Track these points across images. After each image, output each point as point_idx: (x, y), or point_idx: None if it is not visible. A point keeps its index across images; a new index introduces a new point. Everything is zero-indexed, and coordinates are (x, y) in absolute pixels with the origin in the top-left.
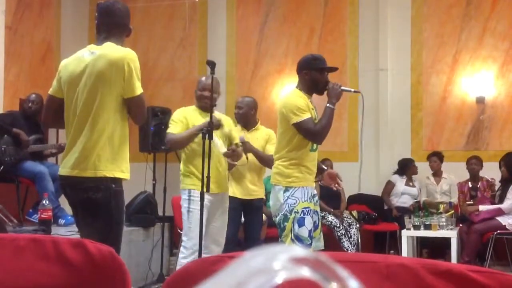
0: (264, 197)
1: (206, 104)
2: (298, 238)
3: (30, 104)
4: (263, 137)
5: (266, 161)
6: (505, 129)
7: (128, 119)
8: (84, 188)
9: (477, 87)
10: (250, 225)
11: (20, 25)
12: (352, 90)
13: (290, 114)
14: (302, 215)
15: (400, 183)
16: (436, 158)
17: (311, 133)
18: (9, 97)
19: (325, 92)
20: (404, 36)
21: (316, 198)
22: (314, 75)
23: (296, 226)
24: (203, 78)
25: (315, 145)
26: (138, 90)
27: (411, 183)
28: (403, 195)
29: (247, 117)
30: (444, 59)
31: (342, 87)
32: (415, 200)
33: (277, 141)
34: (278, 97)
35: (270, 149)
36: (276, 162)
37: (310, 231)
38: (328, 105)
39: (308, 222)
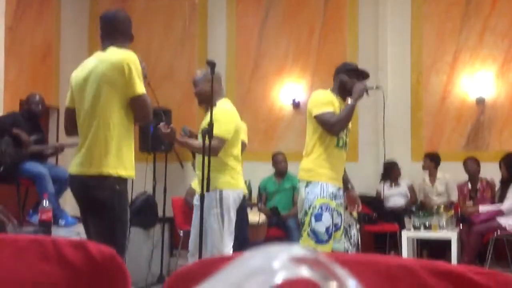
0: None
1: (197, 100)
2: (314, 233)
3: (39, 106)
4: None
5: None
6: (505, 129)
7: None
8: (89, 187)
9: (477, 87)
10: (239, 225)
11: (20, 26)
12: (374, 86)
13: (313, 108)
14: (319, 210)
15: (383, 189)
16: (427, 159)
17: (327, 124)
18: (9, 98)
19: None
20: (404, 35)
21: (341, 201)
22: (342, 78)
23: (313, 220)
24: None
25: (341, 141)
26: (140, 89)
27: (394, 184)
28: (391, 197)
29: None
30: (444, 58)
31: (367, 85)
32: (408, 198)
33: (306, 139)
34: (278, 97)
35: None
36: (303, 160)
37: (328, 228)
38: (349, 101)
39: (326, 218)
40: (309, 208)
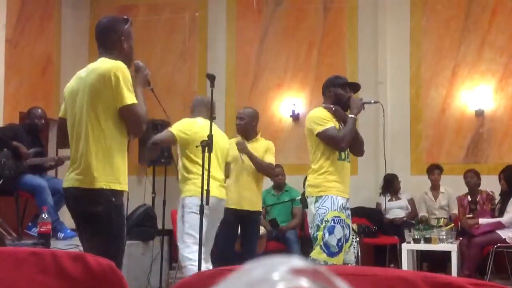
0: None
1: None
2: (326, 246)
3: (41, 120)
4: (262, 148)
5: (264, 168)
6: (504, 142)
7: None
8: (84, 202)
9: (476, 100)
10: (249, 238)
11: (21, 39)
12: (372, 101)
13: (313, 125)
14: (332, 223)
15: (383, 201)
16: (438, 171)
17: (335, 139)
18: (9, 110)
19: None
20: (403, 49)
21: (349, 212)
22: (337, 91)
23: (326, 234)
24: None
25: (343, 154)
26: (128, 99)
27: (394, 198)
28: (391, 210)
29: (248, 128)
30: (443, 72)
31: (363, 100)
32: (408, 211)
33: (310, 157)
34: (277, 110)
35: (269, 159)
36: (308, 177)
37: (339, 240)
38: (349, 115)
39: (338, 231)
40: (322, 222)
